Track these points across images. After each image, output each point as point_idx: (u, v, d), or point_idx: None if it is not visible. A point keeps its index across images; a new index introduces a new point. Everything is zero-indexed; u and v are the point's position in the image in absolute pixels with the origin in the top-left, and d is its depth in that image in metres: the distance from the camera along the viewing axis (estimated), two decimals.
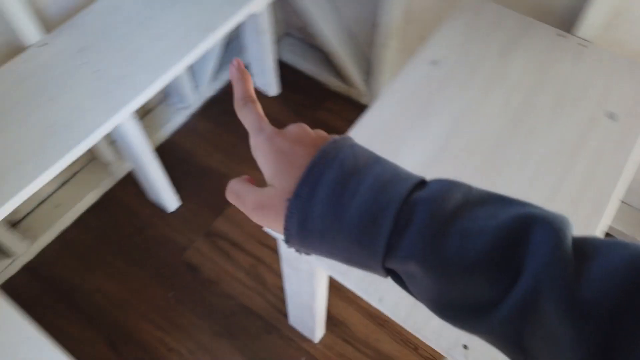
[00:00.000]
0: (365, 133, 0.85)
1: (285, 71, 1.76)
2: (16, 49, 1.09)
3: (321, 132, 0.34)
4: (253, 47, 1.56)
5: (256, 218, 0.32)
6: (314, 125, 0.33)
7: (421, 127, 0.86)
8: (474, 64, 0.96)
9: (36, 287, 1.31)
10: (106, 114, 0.96)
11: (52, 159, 0.90)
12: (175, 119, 1.62)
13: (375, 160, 0.31)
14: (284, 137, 0.33)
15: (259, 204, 0.32)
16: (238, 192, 0.33)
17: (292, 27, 1.82)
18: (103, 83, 1.00)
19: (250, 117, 0.34)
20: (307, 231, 0.29)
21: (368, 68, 1.64)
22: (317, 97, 1.72)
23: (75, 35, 1.08)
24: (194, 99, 1.64)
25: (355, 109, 1.69)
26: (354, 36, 1.63)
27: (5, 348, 0.73)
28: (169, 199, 1.42)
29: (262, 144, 0.33)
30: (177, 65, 1.05)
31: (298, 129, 0.33)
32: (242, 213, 0.34)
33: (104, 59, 1.04)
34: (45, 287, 1.32)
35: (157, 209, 1.45)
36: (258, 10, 1.22)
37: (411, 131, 0.86)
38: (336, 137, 0.32)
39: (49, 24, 1.13)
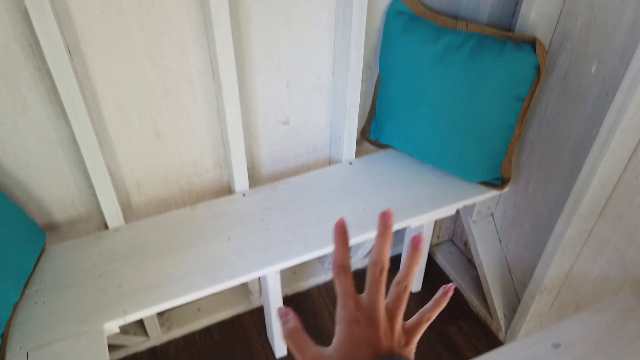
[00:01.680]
0: None
1: (435, 273, 1.82)
2: (227, 190, 1.44)
3: (401, 339, 0.40)
4: (407, 243, 1.68)
5: None
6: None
7: None
8: None
9: None
10: (256, 266, 1.17)
11: (206, 283, 1.12)
12: (321, 277, 1.79)
13: None
14: (366, 325, 0.39)
15: None
16: (299, 344, 0.40)
17: (457, 237, 1.91)
18: (267, 240, 1.23)
19: (340, 288, 0.41)
20: None
21: (514, 308, 1.59)
22: (454, 311, 1.71)
23: (267, 197, 1.37)
24: None
25: (486, 339, 1.62)
26: (511, 272, 1.63)
27: None
28: (280, 347, 1.54)
29: (343, 322, 0.40)
30: (329, 248, 1.23)
31: (382, 323, 0.39)
32: None
33: (277, 222, 1.29)
34: None
35: (268, 348, 1.58)
36: (416, 225, 1.36)
37: None
38: (402, 356, 0.38)
39: (255, 180, 1.46)
